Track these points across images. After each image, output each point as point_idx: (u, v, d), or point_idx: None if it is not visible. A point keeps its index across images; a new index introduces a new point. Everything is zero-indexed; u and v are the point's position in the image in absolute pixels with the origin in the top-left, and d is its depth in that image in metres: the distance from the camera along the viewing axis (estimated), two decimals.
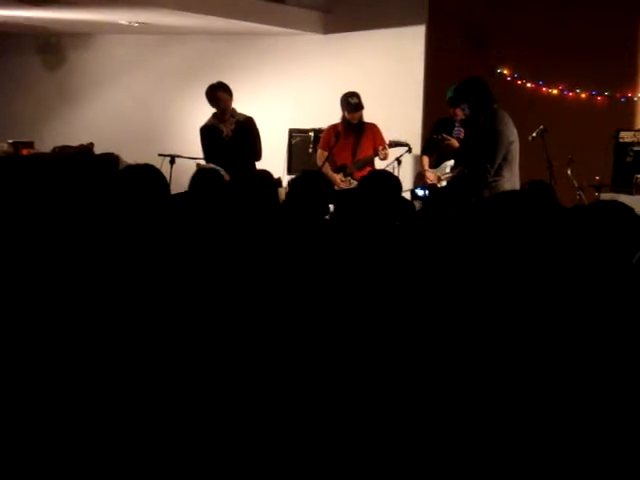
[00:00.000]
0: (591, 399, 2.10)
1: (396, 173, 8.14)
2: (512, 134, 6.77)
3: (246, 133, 8.48)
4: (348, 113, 8.51)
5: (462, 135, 7.90)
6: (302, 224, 3.18)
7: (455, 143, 7.80)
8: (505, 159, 6.69)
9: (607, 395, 2.11)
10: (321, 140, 8.87)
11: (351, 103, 8.49)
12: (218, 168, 7.45)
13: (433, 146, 8.41)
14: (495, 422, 2.11)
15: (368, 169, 8.44)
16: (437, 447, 2.15)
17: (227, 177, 6.47)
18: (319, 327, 2.53)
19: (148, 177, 2.86)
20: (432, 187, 8.11)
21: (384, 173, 5.36)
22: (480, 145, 6.73)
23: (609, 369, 2.14)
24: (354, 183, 8.38)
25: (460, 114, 7.67)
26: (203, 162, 8.54)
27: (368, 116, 8.65)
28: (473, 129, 7.01)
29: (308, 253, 3.01)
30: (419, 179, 8.47)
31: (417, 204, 7.44)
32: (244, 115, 8.60)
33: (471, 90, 6.90)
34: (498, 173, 6.66)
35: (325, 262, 2.97)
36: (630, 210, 3.47)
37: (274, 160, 9.37)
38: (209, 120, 8.63)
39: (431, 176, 8.22)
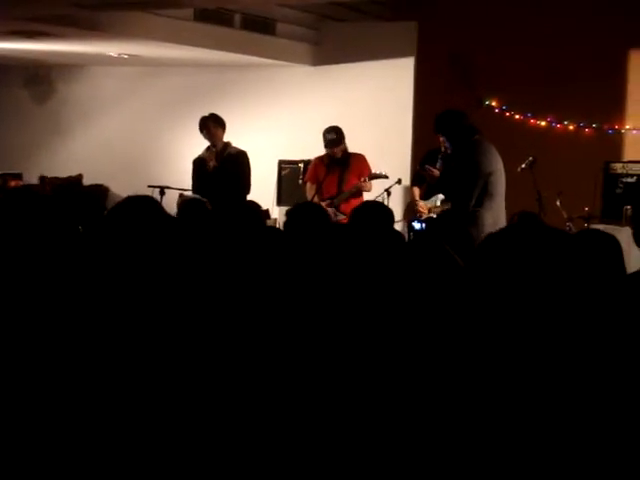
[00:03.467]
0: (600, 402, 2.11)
1: (386, 204, 8.14)
2: (491, 165, 6.75)
3: (233, 166, 8.50)
4: (328, 149, 8.51)
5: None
6: (299, 255, 3.19)
7: (437, 174, 7.81)
8: (485, 190, 6.68)
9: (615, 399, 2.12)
10: (308, 173, 8.86)
11: (327, 139, 8.49)
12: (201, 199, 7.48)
13: (421, 177, 8.43)
14: (495, 424, 2.12)
15: (355, 201, 8.46)
16: (436, 448, 2.15)
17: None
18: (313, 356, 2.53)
19: (149, 209, 2.88)
20: (429, 220, 8.09)
21: (376, 204, 5.36)
22: (456, 176, 6.73)
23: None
24: (339, 216, 8.37)
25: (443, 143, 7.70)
26: (188, 193, 8.60)
27: (358, 147, 8.67)
28: (450, 160, 7.03)
29: (305, 283, 3.00)
30: (410, 210, 8.46)
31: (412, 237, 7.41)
32: (237, 149, 8.63)
33: (446, 122, 6.93)
34: (478, 203, 6.65)
35: (321, 293, 2.97)
36: (612, 238, 3.50)
37: (263, 191, 9.37)
38: (202, 152, 8.70)
39: (423, 207, 8.22)
